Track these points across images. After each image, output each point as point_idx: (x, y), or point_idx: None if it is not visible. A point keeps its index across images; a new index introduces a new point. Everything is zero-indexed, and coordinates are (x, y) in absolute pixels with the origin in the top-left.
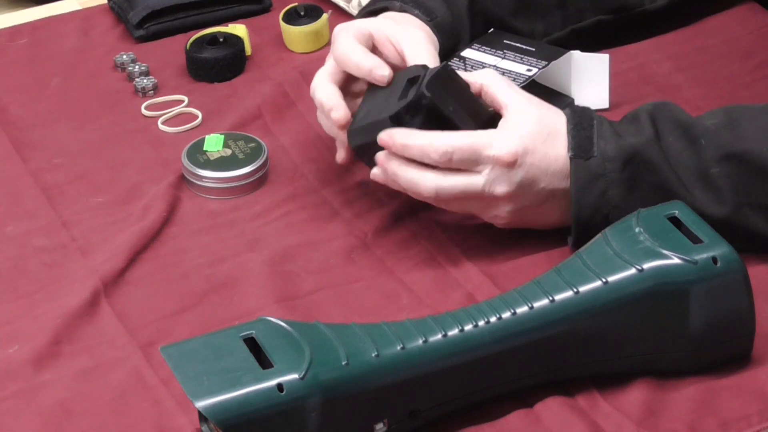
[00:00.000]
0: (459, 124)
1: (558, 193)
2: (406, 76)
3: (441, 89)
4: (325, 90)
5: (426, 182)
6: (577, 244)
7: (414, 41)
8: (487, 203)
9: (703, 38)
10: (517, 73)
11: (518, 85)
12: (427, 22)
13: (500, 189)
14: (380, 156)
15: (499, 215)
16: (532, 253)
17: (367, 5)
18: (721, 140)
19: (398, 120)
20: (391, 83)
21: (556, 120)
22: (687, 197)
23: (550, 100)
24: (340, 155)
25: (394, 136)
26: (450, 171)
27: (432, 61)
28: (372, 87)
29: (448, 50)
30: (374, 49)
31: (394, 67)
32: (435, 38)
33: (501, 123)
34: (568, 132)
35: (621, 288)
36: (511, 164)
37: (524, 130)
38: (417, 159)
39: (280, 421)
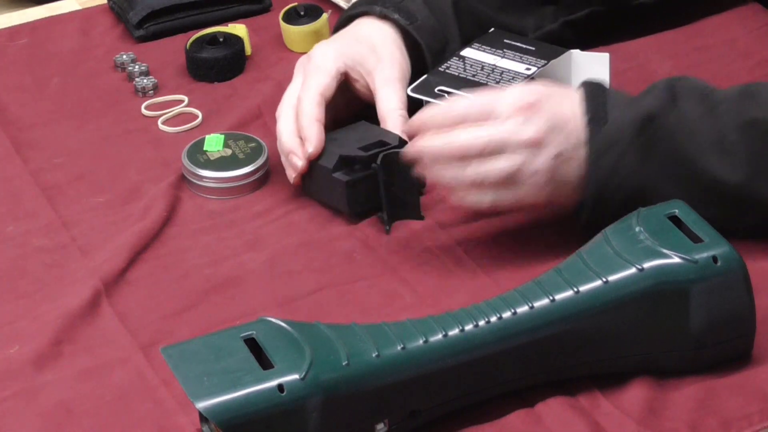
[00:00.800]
0: (385, 203)
1: (576, 155)
2: (380, 137)
3: (393, 168)
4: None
5: (466, 172)
6: (588, 214)
7: (385, 82)
8: (528, 167)
9: (703, 38)
10: (516, 72)
11: (520, 81)
12: (407, 26)
13: (540, 161)
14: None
15: (535, 170)
16: (534, 253)
17: (348, 10)
18: (740, 108)
19: (340, 167)
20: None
21: (565, 88)
22: (702, 163)
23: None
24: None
25: (417, 146)
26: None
27: (399, 101)
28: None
29: (436, 51)
30: (347, 83)
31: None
32: (407, 74)
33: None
34: (583, 99)
35: (621, 287)
36: (527, 108)
37: (529, 86)
38: (455, 157)
39: (280, 421)
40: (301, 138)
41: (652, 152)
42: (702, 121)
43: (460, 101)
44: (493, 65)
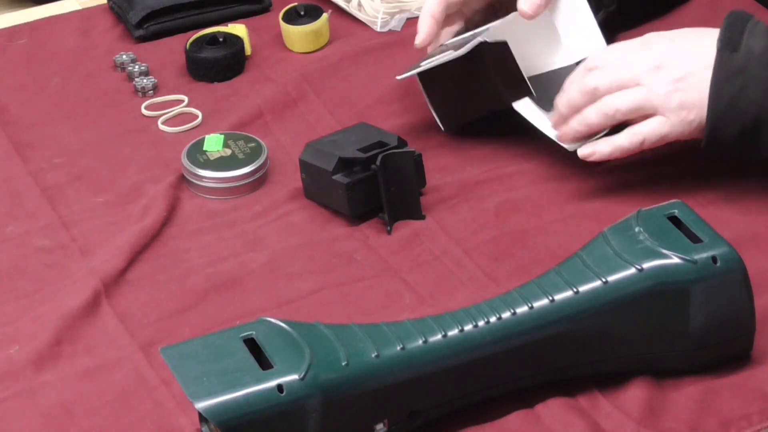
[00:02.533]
0: (386, 203)
1: (702, 78)
2: (379, 137)
3: (392, 168)
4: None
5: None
6: (709, 142)
7: None
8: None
9: None
10: (474, 33)
11: (471, 40)
12: None
13: (657, 81)
14: None
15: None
16: (534, 253)
17: None
18: None
19: (340, 169)
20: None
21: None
22: None
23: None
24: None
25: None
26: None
27: None
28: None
29: None
30: None
31: None
32: None
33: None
34: (722, 28)
35: (621, 288)
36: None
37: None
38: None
39: (280, 421)
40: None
41: None
42: None
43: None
44: (473, 33)
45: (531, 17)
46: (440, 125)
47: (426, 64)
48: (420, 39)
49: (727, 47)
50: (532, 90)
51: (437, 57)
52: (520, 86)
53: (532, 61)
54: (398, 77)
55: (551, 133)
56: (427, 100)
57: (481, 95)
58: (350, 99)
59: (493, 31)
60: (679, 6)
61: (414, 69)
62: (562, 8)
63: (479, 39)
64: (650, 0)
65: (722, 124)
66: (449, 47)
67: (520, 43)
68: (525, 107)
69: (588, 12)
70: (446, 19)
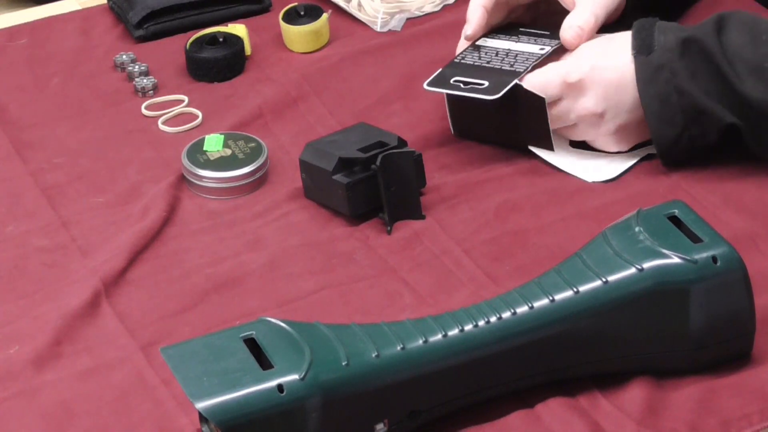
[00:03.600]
0: (386, 203)
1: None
2: (379, 137)
3: (392, 168)
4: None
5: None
6: (660, 144)
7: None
8: (586, 121)
9: None
10: (530, 53)
11: (531, 64)
12: None
13: (583, 104)
14: None
15: (603, 133)
16: (534, 253)
17: None
18: None
19: (340, 169)
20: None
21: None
22: (739, 86)
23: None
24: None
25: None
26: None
27: (594, 13)
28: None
29: None
30: None
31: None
32: None
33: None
34: (632, 36)
35: (621, 287)
36: (576, 86)
37: (585, 50)
38: None
39: (280, 421)
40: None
41: (698, 72)
42: (745, 49)
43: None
44: (508, 50)
45: (573, 48)
46: (451, 129)
47: (455, 89)
48: (471, 30)
49: (642, 51)
50: (554, 146)
51: (469, 85)
52: (543, 140)
53: None
54: (426, 87)
55: (570, 169)
56: (447, 106)
57: (502, 129)
58: (350, 99)
59: (530, 72)
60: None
61: (443, 86)
62: None
63: (516, 81)
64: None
65: (663, 124)
66: (483, 51)
67: None
68: (542, 152)
69: None
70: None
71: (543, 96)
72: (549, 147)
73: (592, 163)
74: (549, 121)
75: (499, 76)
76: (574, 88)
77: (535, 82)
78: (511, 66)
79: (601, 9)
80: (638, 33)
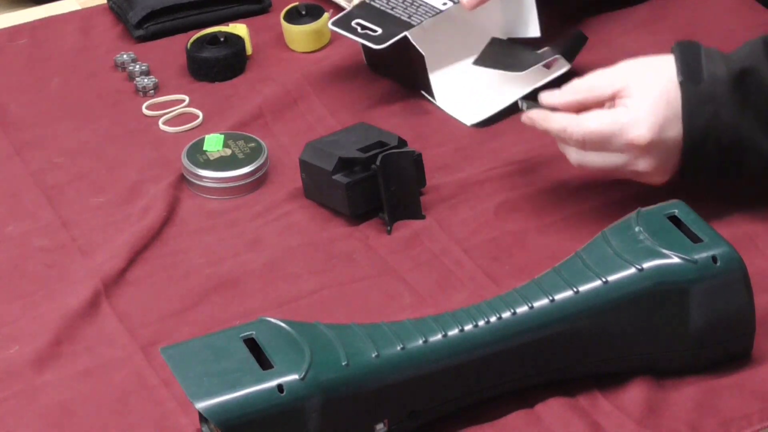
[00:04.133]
0: (386, 203)
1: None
2: (379, 137)
3: (392, 168)
4: None
5: (570, 155)
6: (688, 169)
7: None
8: (630, 168)
9: (702, 36)
10: (431, 6)
11: (426, 18)
12: None
13: (642, 165)
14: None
15: (643, 170)
16: (534, 253)
17: None
18: None
19: (340, 169)
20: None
21: (671, 72)
22: None
23: (513, 56)
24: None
25: (534, 120)
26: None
27: None
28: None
29: None
30: None
31: None
32: None
33: (625, 103)
34: (676, 58)
35: (621, 287)
36: (648, 148)
37: (650, 107)
38: (559, 139)
39: (280, 421)
40: None
41: (748, 105)
42: None
43: (579, 123)
44: (409, 1)
45: (471, 6)
46: (365, 61)
47: (352, 32)
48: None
49: (690, 79)
50: (435, 95)
51: (365, 30)
52: (428, 90)
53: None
54: (329, 25)
55: (452, 111)
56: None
57: (399, 72)
58: (350, 99)
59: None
60: None
61: (342, 26)
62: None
63: (404, 34)
64: None
65: (700, 152)
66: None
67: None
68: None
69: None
70: None
71: (422, 54)
72: (432, 96)
73: (471, 105)
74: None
75: (394, 26)
76: (638, 150)
77: (592, 128)
78: (409, 17)
79: None
80: (683, 56)
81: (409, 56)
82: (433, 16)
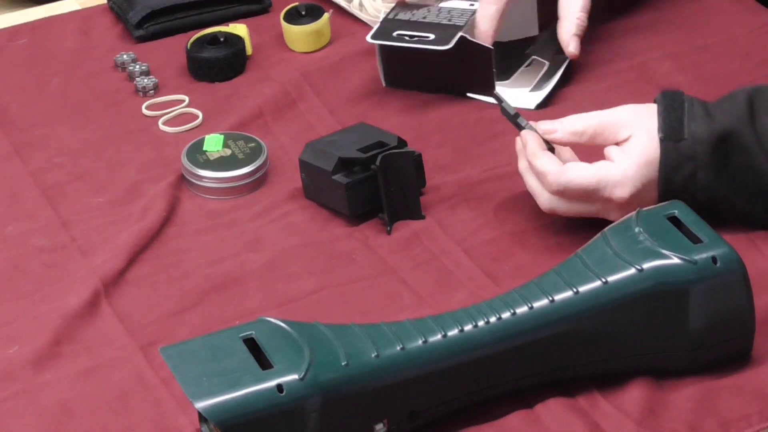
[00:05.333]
0: (385, 203)
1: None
2: (379, 137)
3: (392, 168)
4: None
5: (541, 199)
6: None
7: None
8: (602, 216)
9: (703, 37)
10: (461, 9)
11: (468, 18)
12: None
13: (614, 216)
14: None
15: (615, 219)
16: (534, 254)
17: None
18: None
19: (340, 169)
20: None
21: (655, 126)
22: None
23: (509, 56)
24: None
25: (525, 145)
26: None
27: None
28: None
29: None
30: None
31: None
32: None
33: (612, 157)
34: (659, 114)
35: (621, 288)
36: (626, 206)
37: (635, 166)
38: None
39: (279, 421)
40: None
41: (726, 168)
42: None
43: (559, 173)
44: (439, 7)
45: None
46: (383, 80)
47: (402, 41)
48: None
49: (670, 137)
50: (501, 97)
51: (415, 37)
52: (487, 86)
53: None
54: (370, 39)
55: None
56: (379, 58)
57: (439, 78)
58: (350, 99)
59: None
60: None
61: (388, 38)
62: None
63: (461, 33)
64: None
65: None
66: (414, 9)
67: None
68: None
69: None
70: None
71: (491, 48)
72: (491, 92)
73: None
74: (493, 69)
75: (443, 29)
76: (616, 205)
77: (576, 182)
78: (449, 20)
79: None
80: (665, 112)
81: (462, 58)
82: (471, 15)
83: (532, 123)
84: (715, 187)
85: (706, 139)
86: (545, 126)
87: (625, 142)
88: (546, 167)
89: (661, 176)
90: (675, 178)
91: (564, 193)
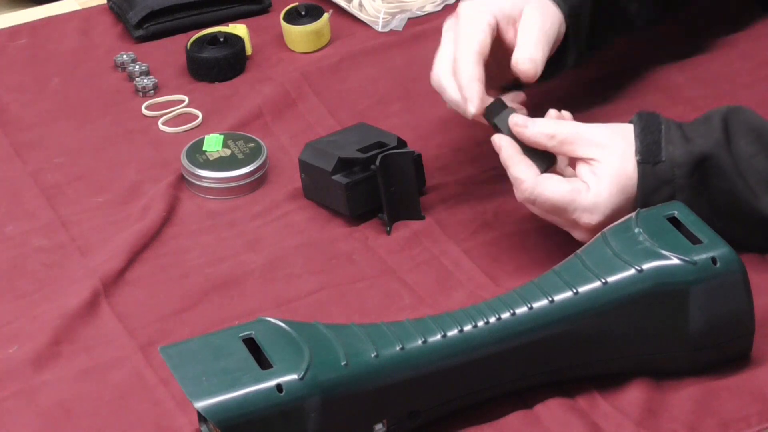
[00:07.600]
0: (385, 204)
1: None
2: (379, 138)
3: (392, 169)
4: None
5: (519, 193)
6: None
7: (529, 26)
8: (568, 231)
9: (704, 38)
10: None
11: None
12: None
13: (578, 236)
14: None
15: (581, 238)
16: (534, 254)
17: None
18: None
19: (339, 169)
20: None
21: (630, 152)
22: (755, 202)
23: None
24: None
25: (500, 148)
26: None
27: (541, 44)
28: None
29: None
30: (498, 34)
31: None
32: (556, 16)
33: (587, 178)
34: (636, 136)
35: (620, 288)
36: (594, 230)
37: (608, 193)
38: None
39: (279, 421)
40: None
41: (704, 190)
42: (756, 159)
43: (533, 184)
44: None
45: (531, 79)
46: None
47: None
48: (475, 108)
49: (648, 160)
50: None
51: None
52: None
53: None
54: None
55: None
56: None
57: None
58: (350, 99)
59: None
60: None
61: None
62: None
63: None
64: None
65: None
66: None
67: None
68: None
69: None
70: None
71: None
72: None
73: None
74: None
75: None
76: (584, 228)
77: (547, 196)
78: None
79: (546, 41)
80: (642, 135)
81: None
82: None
83: (514, 105)
84: (693, 210)
85: (684, 162)
86: (518, 118)
87: (597, 163)
88: (521, 175)
89: (639, 199)
90: (653, 200)
91: (534, 203)
